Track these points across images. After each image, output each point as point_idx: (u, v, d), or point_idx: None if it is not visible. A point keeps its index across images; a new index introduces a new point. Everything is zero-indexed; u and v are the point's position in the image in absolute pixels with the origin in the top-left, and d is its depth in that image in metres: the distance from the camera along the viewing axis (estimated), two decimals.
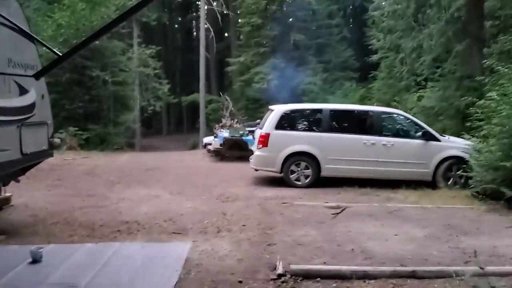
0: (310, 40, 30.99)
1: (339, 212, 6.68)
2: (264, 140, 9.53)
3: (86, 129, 20.01)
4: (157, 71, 27.77)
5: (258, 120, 17.59)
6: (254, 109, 30.44)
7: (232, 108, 23.57)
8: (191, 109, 43.21)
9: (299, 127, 9.89)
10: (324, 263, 4.52)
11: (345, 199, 8.00)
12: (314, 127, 9.75)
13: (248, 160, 14.05)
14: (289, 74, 27.62)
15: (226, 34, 42.77)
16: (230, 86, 36.04)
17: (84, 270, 4.38)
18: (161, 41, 30.67)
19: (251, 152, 14.41)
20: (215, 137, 18.20)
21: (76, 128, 19.32)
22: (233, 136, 15.01)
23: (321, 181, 9.43)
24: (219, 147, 14.71)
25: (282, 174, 9.54)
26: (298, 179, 9.46)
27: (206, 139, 23.91)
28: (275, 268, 4.36)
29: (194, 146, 29.03)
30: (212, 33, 31.70)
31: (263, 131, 9.64)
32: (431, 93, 17.88)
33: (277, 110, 9.81)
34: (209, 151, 15.96)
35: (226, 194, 8.49)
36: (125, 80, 23.00)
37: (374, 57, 21.98)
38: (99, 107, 21.37)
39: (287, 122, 9.76)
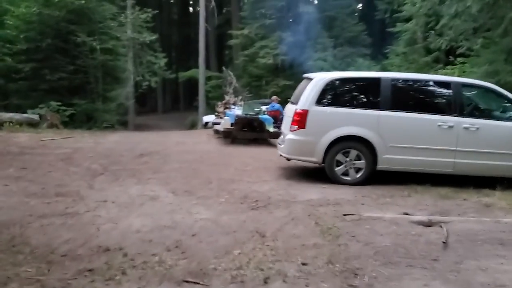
0: (318, 13, 28.67)
1: (447, 237, 4.19)
2: (301, 120, 6.94)
3: (71, 104, 17.34)
4: (154, 37, 25.01)
5: (274, 97, 15.13)
6: (258, 87, 28.25)
7: (236, 84, 21.18)
8: (188, 86, 40.94)
9: (349, 102, 7.21)
10: None
11: (424, 206, 5.57)
12: (369, 103, 7.13)
13: (265, 143, 11.66)
14: (297, 49, 25.39)
15: (224, 10, 40.11)
16: (231, 62, 33.56)
17: None
18: (156, 14, 27.80)
19: (268, 134, 11.99)
20: (216, 115, 15.86)
21: (58, 103, 16.73)
22: (247, 114, 12.36)
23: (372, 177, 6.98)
24: (230, 127, 12.04)
25: (323, 166, 7.03)
26: (346, 173, 6.96)
27: (206, 118, 21.90)
28: None
29: (193, 126, 26.99)
30: (213, 3, 28.95)
31: (299, 107, 7.03)
32: (474, 68, 15.57)
33: (318, 79, 7.16)
34: (216, 131, 13.34)
35: (253, 194, 5.96)
36: (116, 49, 20.23)
37: (401, 27, 19.48)
38: (85, 79, 18.62)
39: (331, 95, 7.12)
